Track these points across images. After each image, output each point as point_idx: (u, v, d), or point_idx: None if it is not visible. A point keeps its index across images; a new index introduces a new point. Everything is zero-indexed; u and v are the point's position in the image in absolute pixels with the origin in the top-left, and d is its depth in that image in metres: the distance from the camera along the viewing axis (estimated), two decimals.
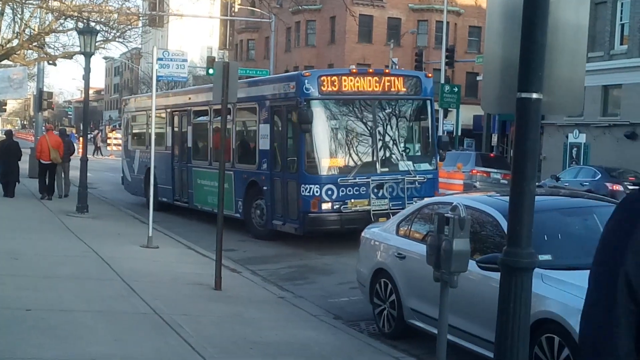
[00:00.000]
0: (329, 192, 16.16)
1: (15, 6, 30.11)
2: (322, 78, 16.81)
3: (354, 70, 18.19)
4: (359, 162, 17.00)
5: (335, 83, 16.90)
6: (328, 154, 16.82)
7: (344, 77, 17.13)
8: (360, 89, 17.23)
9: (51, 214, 20.98)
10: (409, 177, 16.99)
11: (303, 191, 16.27)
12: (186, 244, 16.89)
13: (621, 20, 36.75)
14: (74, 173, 26.00)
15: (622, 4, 36.57)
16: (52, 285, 11.60)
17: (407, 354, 9.10)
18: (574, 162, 34.68)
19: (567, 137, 35.67)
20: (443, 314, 6.78)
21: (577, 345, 7.03)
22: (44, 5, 29.80)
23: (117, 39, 34.08)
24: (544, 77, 4.94)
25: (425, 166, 17.70)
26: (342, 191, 16.32)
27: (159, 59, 16.98)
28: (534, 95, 4.94)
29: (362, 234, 11.35)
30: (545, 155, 39.21)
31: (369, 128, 17.26)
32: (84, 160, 21.69)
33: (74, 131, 65.95)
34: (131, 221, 20.47)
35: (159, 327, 9.58)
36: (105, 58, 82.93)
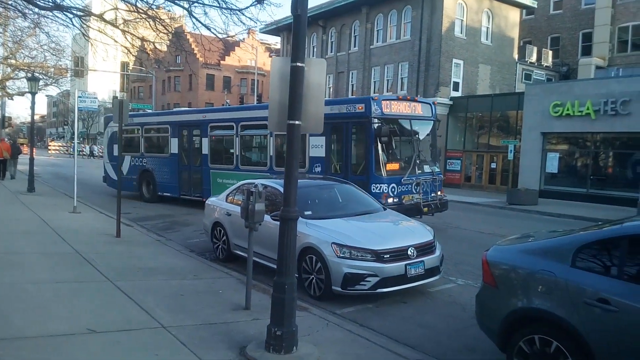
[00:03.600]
0: (392, 190, 12.98)
1: None
2: (383, 101, 13.41)
3: (400, 97, 14.71)
4: (408, 166, 13.58)
5: (389, 106, 13.50)
6: (390, 159, 13.40)
7: (393, 102, 13.81)
8: (403, 111, 13.93)
9: (10, 193, 19.24)
10: (433, 177, 14.14)
11: (373, 189, 12.65)
12: (99, 210, 15.90)
13: (352, 82, 38.10)
14: (24, 167, 24.65)
15: (352, 73, 37.86)
16: (10, 238, 10.67)
17: (232, 270, 9.10)
18: None
19: None
20: (250, 246, 6.85)
21: (324, 259, 7.43)
22: (5, 62, 29.43)
23: (53, 84, 33.85)
24: (301, 111, 5.10)
25: (436, 169, 14.69)
26: (400, 188, 13.13)
27: (79, 97, 15.92)
28: (297, 122, 5.08)
29: (206, 201, 11.19)
30: None
31: (410, 140, 13.98)
32: (31, 159, 20.24)
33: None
34: (64, 197, 19.01)
35: (79, 261, 9.05)
36: (46, 95, 77.34)
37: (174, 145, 18.92)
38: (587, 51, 36.76)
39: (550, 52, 37.75)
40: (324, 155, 14.08)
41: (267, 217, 7.61)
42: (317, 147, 14.30)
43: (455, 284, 8.67)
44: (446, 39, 31.52)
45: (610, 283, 4.14)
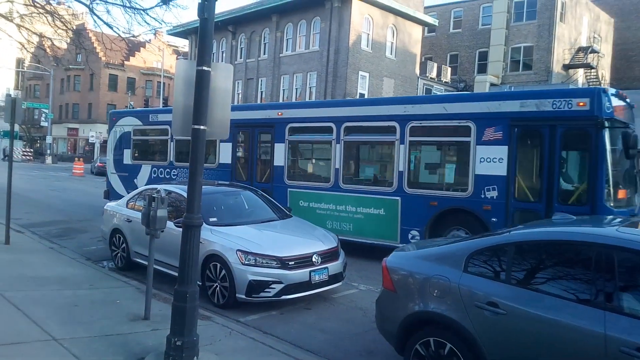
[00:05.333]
0: None
1: None
2: (613, 97, 9.05)
3: (620, 92, 9.53)
4: (633, 192, 9.58)
5: (619, 103, 9.24)
6: (621, 184, 9.26)
7: (615, 98, 9.14)
8: (623, 113, 9.43)
9: None
10: None
11: None
12: None
13: (261, 89, 37.93)
14: None
15: (261, 80, 37.68)
16: None
17: (132, 279, 8.74)
18: None
19: None
20: (151, 253, 6.62)
21: (228, 266, 7.32)
22: None
23: None
24: (207, 117, 5.01)
25: None
26: None
27: None
28: (202, 127, 4.98)
29: (105, 207, 10.65)
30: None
31: (630, 155, 9.30)
32: None
33: None
34: None
35: None
36: None
37: (225, 153, 13.95)
38: (482, 69, 39.12)
39: (449, 69, 39.78)
40: (505, 174, 9.57)
41: (170, 224, 7.39)
42: (491, 161, 9.78)
43: (357, 290, 8.84)
44: (353, 51, 32.31)
45: (499, 287, 4.39)
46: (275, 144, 12.89)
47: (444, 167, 11.14)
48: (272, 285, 7.24)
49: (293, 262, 7.41)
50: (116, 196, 15.34)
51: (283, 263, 7.34)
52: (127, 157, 16.52)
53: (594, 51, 38.62)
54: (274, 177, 12.89)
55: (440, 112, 10.54)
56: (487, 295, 4.37)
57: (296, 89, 35.30)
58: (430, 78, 37.50)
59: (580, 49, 38.21)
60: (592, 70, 38.23)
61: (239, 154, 13.97)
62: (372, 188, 11.45)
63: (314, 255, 7.65)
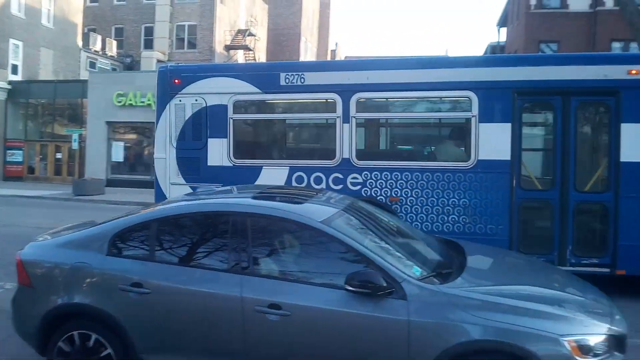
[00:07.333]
0: None
1: None
2: None
3: None
4: None
5: None
6: None
7: None
8: None
9: None
10: None
11: None
12: None
13: None
14: None
15: None
16: None
17: None
18: None
19: None
20: None
21: None
22: None
23: None
24: None
25: None
26: None
27: None
28: None
29: None
30: None
31: None
32: None
33: None
34: None
35: None
36: None
37: (491, 142, 7.61)
38: (149, 45, 38.51)
39: (115, 42, 38.03)
40: None
41: None
42: None
43: (2, 289, 7.72)
44: (2, 16, 28.12)
45: (144, 266, 4.27)
46: (623, 125, 7.38)
47: None
48: None
49: None
50: None
51: None
52: (219, 154, 8.64)
53: (251, 34, 41.72)
54: (628, 185, 7.29)
55: None
56: (131, 277, 4.21)
57: None
58: (95, 51, 35.23)
59: (239, 31, 40.82)
60: (250, 52, 41.33)
61: (528, 143, 8.06)
62: None
63: None
